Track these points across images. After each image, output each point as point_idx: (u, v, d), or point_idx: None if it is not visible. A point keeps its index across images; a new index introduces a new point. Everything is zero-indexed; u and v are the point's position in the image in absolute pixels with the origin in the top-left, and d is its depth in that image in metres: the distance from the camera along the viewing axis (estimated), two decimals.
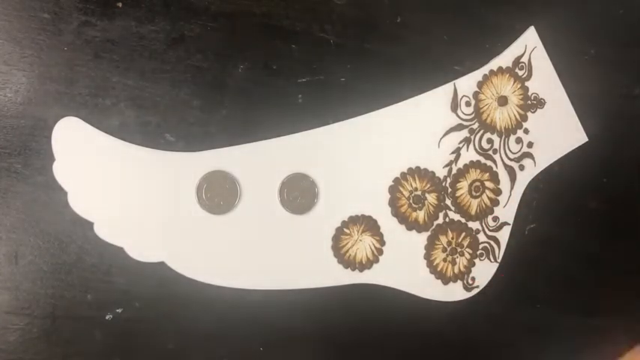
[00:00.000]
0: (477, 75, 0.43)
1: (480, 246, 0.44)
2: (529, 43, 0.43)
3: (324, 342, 0.41)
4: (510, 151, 0.44)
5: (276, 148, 0.39)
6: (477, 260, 0.44)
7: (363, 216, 0.41)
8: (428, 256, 0.42)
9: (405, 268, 0.42)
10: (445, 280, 0.43)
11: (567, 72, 0.44)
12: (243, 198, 0.39)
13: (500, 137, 0.44)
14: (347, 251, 0.41)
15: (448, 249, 0.43)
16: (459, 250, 0.43)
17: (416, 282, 0.42)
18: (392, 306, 0.42)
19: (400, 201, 0.42)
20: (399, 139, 0.41)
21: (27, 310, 0.36)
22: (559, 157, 0.45)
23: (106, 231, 0.37)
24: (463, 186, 0.43)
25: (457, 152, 0.43)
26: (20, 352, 0.36)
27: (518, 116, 0.44)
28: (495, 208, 0.44)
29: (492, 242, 0.44)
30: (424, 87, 0.41)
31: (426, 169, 0.42)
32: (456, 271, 0.43)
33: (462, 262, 0.43)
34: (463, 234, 0.43)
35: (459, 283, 0.43)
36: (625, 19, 0.46)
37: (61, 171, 0.36)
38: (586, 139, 0.45)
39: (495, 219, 0.44)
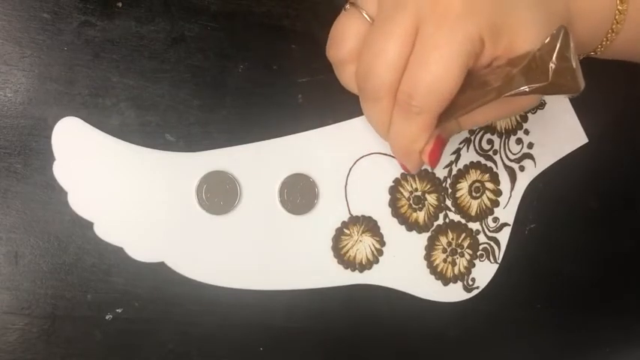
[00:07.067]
0: None
1: (480, 247, 0.44)
2: None
3: (324, 342, 0.41)
4: (510, 151, 0.44)
5: (276, 148, 0.39)
6: (477, 261, 0.44)
7: (363, 216, 0.41)
8: (428, 257, 0.42)
9: (405, 268, 0.42)
10: (445, 280, 0.43)
11: None
12: (243, 198, 0.39)
13: (501, 138, 0.44)
14: (347, 252, 0.41)
15: (448, 250, 0.43)
16: (459, 250, 0.43)
17: (416, 283, 0.42)
18: (392, 307, 0.42)
19: (400, 202, 0.42)
20: None
21: (27, 310, 0.36)
22: (559, 157, 0.45)
23: (105, 231, 0.37)
24: (463, 187, 0.43)
25: (457, 153, 0.43)
26: (20, 352, 0.36)
27: (518, 117, 0.44)
28: (495, 209, 0.44)
29: (492, 243, 0.44)
30: None
31: (426, 170, 0.42)
32: (456, 271, 0.43)
33: (462, 262, 0.43)
34: (463, 235, 0.43)
35: (459, 283, 0.43)
36: None
37: (61, 171, 0.36)
38: (586, 140, 0.45)
39: (495, 220, 0.44)
